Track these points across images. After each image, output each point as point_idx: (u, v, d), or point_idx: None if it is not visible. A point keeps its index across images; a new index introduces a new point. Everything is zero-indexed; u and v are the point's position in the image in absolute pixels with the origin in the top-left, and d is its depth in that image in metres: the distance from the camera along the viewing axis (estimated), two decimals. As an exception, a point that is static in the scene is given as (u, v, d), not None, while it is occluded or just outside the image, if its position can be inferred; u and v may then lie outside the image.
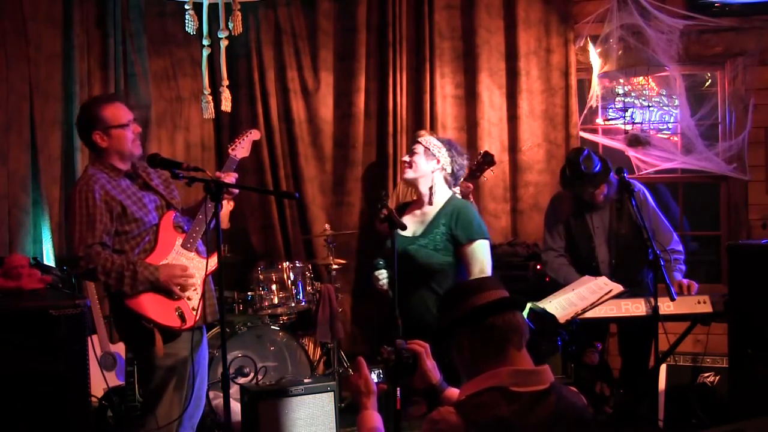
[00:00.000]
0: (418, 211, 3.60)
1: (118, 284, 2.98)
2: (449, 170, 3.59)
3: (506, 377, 1.89)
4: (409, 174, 3.56)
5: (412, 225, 3.50)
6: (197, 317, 3.14)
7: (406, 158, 3.59)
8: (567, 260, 4.24)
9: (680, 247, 4.09)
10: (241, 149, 3.45)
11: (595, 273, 3.98)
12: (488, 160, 4.64)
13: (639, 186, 4.14)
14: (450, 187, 3.62)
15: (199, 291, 3.11)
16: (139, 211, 3.12)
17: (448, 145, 3.63)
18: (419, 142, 3.59)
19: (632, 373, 4.21)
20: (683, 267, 4.04)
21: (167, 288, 3.05)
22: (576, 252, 4.22)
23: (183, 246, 3.18)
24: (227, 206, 3.39)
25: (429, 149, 3.54)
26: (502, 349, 1.93)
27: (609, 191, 4.12)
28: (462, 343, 1.99)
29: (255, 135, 3.56)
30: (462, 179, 4.73)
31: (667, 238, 4.08)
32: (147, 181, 3.23)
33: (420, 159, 3.54)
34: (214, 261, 3.21)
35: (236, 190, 3.34)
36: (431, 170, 3.54)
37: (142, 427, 3.14)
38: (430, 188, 3.55)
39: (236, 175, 3.35)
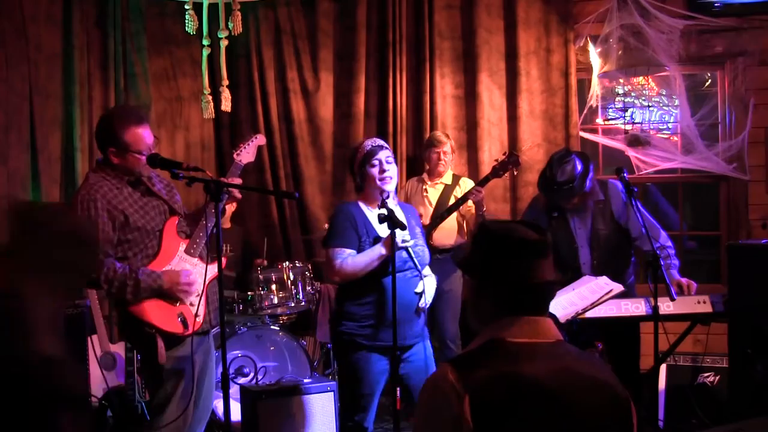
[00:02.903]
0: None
1: (120, 293, 2.98)
2: None
3: (507, 329, 1.77)
4: (393, 185, 3.31)
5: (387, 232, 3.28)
6: (201, 323, 3.13)
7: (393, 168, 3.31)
8: None
9: (670, 242, 4.03)
10: (246, 154, 3.40)
11: (578, 275, 3.93)
12: (513, 160, 4.59)
13: (619, 186, 4.01)
14: None
15: (203, 297, 3.10)
16: (142, 218, 3.10)
17: None
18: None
19: (624, 377, 4.17)
20: (677, 262, 3.98)
21: (171, 294, 3.04)
22: (557, 253, 4.15)
23: (186, 252, 3.17)
24: (229, 208, 3.37)
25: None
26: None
27: (581, 200, 4.03)
28: (485, 291, 1.85)
29: (260, 140, 3.50)
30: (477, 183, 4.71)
31: (654, 235, 4.05)
32: (149, 187, 3.21)
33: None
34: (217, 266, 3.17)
35: (240, 195, 3.31)
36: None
37: (150, 428, 3.14)
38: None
39: (241, 180, 3.31)
